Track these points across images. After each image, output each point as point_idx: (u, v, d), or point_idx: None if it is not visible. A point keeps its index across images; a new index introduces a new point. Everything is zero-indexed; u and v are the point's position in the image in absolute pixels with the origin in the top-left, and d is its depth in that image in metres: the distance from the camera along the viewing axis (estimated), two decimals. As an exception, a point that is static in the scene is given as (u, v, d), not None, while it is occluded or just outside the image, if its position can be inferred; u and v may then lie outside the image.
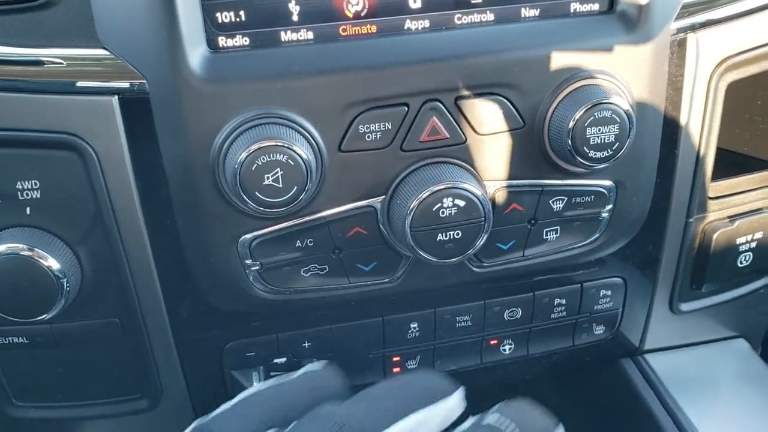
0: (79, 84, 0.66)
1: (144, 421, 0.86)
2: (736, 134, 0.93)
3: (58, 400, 0.82)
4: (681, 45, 0.76)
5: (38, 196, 0.69)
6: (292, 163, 0.64)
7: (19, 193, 0.69)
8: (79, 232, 0.71)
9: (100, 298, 0.75)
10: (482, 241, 0.72)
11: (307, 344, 0.83)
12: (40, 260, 0.69)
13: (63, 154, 0.68)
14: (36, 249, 0.69)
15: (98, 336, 0.77)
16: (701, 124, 0.81)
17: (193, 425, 0.51)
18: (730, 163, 0.91)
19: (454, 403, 0.53)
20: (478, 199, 0.70)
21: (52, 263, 0.69)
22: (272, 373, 0.84)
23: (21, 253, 0.69)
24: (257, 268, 0.73)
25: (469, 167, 0.72)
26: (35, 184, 0.69)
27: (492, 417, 0.51)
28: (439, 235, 0.70)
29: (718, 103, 0.81)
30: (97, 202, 0.70)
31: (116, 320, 0.77)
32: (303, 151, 0.65)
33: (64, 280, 0.70)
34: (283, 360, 0.83)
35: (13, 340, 0.75)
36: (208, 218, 0.69)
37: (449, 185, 0.69)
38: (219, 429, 0.50)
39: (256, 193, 0.65)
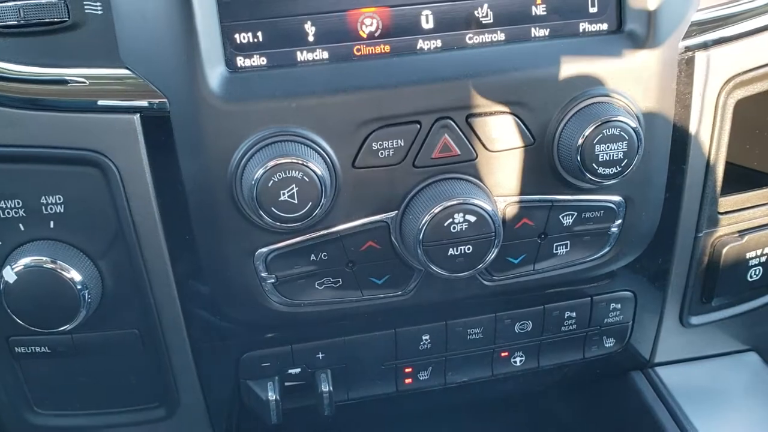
0: (102, 103, 0.68)
1: (161, 430, 0.88)
2: (745, 149, 0.94)
3: (77, 408, 0.84)
4: (689, 63, 0.77)
5: (62, 210, 0.71)
6: (307, 180, 0.66)
7: (43, 207, 0.71)
8: (101, 246, 0.73)
9: (120, 309, 0.77)
10: (493, 256, 0.73)
11: (320, 355, 0.85)
12: (63, 272, 0.71)
13: (86, 170, 0.70)
14: (59, 261, 0.71)
15: (118, 346, 0.79)
16: (710, 141, 0.82)
17: None
18: (740, 178, 0.92)
19: None
20: (489, 215, 0.71)
21: (75, 275, 0.71)
22: (287, 384, 0.85)
23: (44, 265, 0.71)
24: (273, 280, 0.75)
25: (480, 183, 0.74)
26: (59, 199, 0.71)
27: None
28: (451, 249, 0.72)
29: (727, 119, 0.82)
30: (119, 216, 0.72)
31: (135, 331, 0.78)
32: (318, 167, 0.67)
33: (86, 291, 0.72)
34: (297, 370, 0.85)
35: (35, 349, 0.77)
36: (225, 232, 0.71)
37: (460, 201, 0.70)
38: None
39: (272, 209, 0.66)
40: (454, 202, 0.70)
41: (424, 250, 0.71)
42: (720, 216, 0.88)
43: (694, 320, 0.96)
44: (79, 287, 0.71)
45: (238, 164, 0.67)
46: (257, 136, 0.67)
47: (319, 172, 0.67)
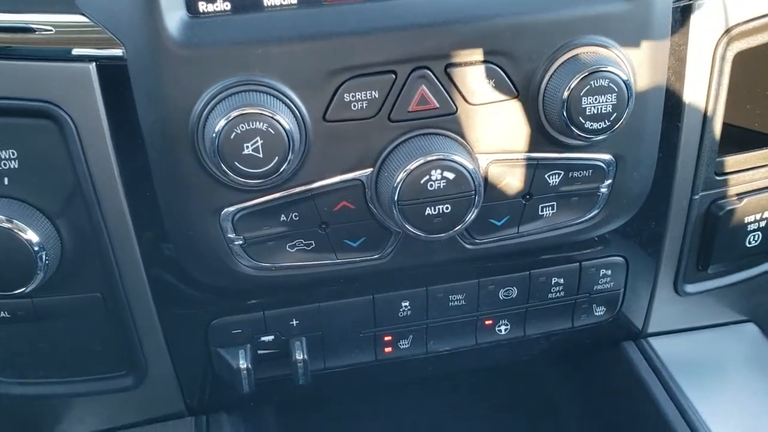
0: (56, 50, 0.65)
1: (130, 400, 0.85)
2: (746, 109, 0.89)
3: (41, 377, 0.81)
4: (684, 12, 0.73)
5: (16, 166, 0.68)
6: (272, 132, 0.62)
7: (-4, 162, 0.67)
8: (59, 204, 0.70)
9: (81, 271, 0.73)
10: (473, 216, 0.69)
11: (294, 322, 0.81)
12: (19, 232, 0.67)
13: (40, 122, 0.66)
14: (15, 221, 0.68)
15: (80, 311, 0.76)
16: (706, 97, 0.78)
17: None
18: (739, 139, 0.88)
19: None
20: (468, 172, 0.67)
21: (31, 236, 0.68)
22: (260, 352, 0.82)
23: (1, 225, 0.67)
24: (241, 242, 0.71)
25: (460, 139, 0.70)
26: (12, 154, 0.67)
27: None
28: (428, 209, 0.68)
29: (725, 74, 0.78)
30: (76, 172, 0.68)
31: (98, 295, 0.75)
32: (284, 119, 0.63)
33: (43, 252, 0.68)
34: (270, 338, 0.82)
35: (-6, 314, 0.74)
36: (188, 189, 0.68)
37: (438, 157, 0.66)
38: None
39: (236, 163, 0.63)
40: (431, 158, 0.66)
41: (400, 209, 0.68)
42: (717, 177, 0.84)
43: (690, 288, 0.92)
44: (36, 248, 0.68)
45: (199, 115, 0.64)
46: (220, 85, 0.63)
47: (285, 125, 0.63)
